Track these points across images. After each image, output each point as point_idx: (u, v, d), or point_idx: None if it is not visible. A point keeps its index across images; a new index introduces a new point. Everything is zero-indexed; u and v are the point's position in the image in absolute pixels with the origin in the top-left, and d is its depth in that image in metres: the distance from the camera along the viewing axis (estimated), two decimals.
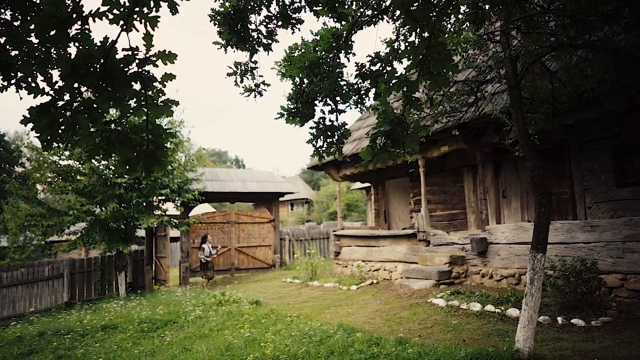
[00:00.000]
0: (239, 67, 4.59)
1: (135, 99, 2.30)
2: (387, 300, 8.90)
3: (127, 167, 2.41)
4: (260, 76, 4.73)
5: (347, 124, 4.70)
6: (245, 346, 6.42)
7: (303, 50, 4.28)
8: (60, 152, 13.07)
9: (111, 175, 13.14)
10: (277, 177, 19.65)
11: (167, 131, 2.40)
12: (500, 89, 8.02)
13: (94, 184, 12.76)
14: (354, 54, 4.37)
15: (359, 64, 4.29)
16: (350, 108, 5.27)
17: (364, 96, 4.51)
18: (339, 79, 4.30)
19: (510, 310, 6.70)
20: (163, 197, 14.48)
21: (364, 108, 5.15)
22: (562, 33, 5.14)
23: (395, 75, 2.66)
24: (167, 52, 2.25)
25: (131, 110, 2.28)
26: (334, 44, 4.19)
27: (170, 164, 13.91)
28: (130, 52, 2.22)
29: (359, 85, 4.43)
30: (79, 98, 2.16)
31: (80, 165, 13.12)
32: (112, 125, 2.29)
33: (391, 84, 2.65)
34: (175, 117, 14.63)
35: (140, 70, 2.26)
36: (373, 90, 4.34)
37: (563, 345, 5.31)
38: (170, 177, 13.85)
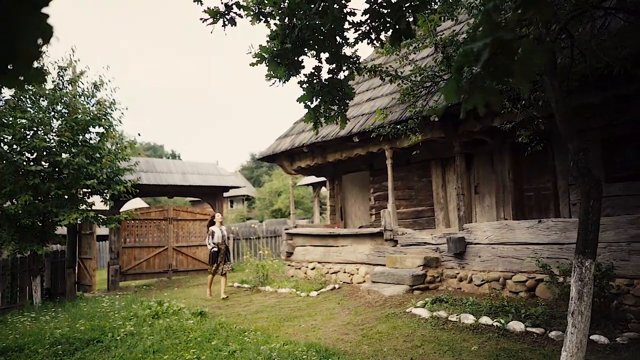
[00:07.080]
0: None
1: None
2: (357, 309, 7.68)
3: None
4: None
5: (352, 79, 3.40)
6: None
7: None
8: None
9: (24, 162, 11.01)
10: (221, 170, 17.93)
11: None
12: None
13: (1, 172, 10.61)
14: None
15: None
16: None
17: (375, 41, 3.22)
18: (342, 16, 3.00)
19: (513, 324, 5.68)
20: (89, 190, 12.41)
21: (357, 69, 3.86)
22: None
23: None
24: None
25: None
26: None
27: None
28: None
29: (370, 26, 3.14)
30: None
31: None
32: None
33: None
34: (105, 97, 12.59)
35: None
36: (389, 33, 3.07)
37: None
38: (97, 165, 11.81)
